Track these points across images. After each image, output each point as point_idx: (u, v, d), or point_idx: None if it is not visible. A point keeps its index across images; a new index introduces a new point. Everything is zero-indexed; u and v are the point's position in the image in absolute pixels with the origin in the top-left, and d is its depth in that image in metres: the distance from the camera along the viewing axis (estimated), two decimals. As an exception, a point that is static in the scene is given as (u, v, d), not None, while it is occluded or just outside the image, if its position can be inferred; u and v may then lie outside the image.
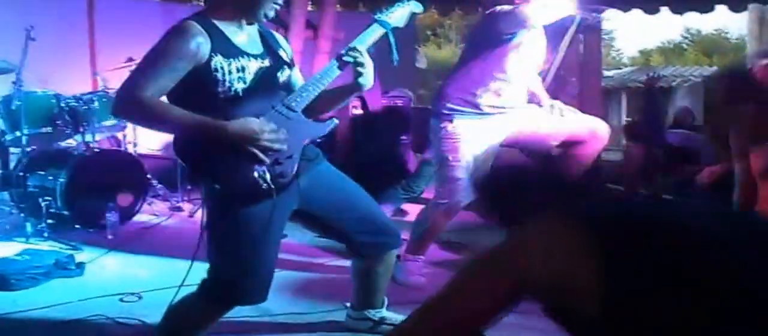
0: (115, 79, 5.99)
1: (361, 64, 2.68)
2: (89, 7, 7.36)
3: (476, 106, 3.78)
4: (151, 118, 2.49)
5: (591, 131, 4.06)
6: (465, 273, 1.52)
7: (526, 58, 3.83)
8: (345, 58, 2.68)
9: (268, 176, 2.48)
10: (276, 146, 2.47)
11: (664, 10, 8.40)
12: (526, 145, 4.09)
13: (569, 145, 4.08)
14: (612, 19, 8.26)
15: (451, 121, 3.79)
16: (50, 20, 6.07)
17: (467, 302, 1.47)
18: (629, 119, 10.40)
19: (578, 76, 7.30)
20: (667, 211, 1.49)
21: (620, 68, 23.12)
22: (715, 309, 1.27)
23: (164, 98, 2.49)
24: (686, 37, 30.96)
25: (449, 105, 3.80)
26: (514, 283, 1.43)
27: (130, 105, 2.47)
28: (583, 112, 7.26)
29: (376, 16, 2.83)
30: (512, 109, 3.86)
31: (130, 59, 6.02)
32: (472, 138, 3.77)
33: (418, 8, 2.96)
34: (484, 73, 3.76)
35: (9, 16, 6.03)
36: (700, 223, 1.40)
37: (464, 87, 3.78)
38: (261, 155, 2.45)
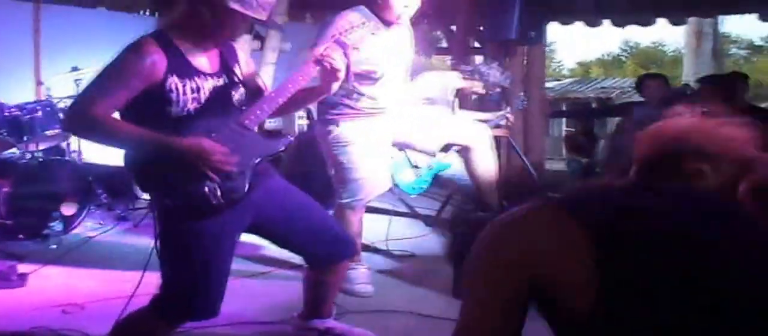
0: (59, 88, 5.95)
1: (336, 69, 2.72)
2: (34, 15, 7.23)
3: (354, 109, 3.91)
4: (103, 135, 2.50)
5: (471, 137, 4.38)
6: (468, 300, 1.43)
7: (395, 60, 3.96)
8: (323, 62, 2.71)
9: (218, 193, 2.50)
10: (226, 168, 2.49)
11: (606, 23, 8.61)
12: (411, 146, 4.48)
13: (461, 151, 4.46)
14: (552, 31, 8.24)
15: (337, 125, 3.92)
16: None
17: (485, 323, 1.37)
18: (570, 130, 10.55)
19: (523, 88, 7.41)
20: (652, 201, 1.39)
21: (560, 80, 23.50)
22: (703, 306, 1.23)
23: (117, 114, 2.49)
24: (625, 50, 31.76)
25: (333, 110, 3.92)
26: (513, 279, 1.35)
27: (81, 121, 2.49)
28: (527, 124, 7.40)
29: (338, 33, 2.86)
30: (392, 109, 4.01)
31: (75, 68, 5.97)
32: (359, 138, 3.91)
33: (377, 29, 3.00)
34: (357, 77, 3.81)
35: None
36: (692, 220, 1.34)
37: (341, 92, 3.81)
38: (210, 174, 2.47)
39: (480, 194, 4.44)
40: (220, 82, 2.63)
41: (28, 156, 5.27)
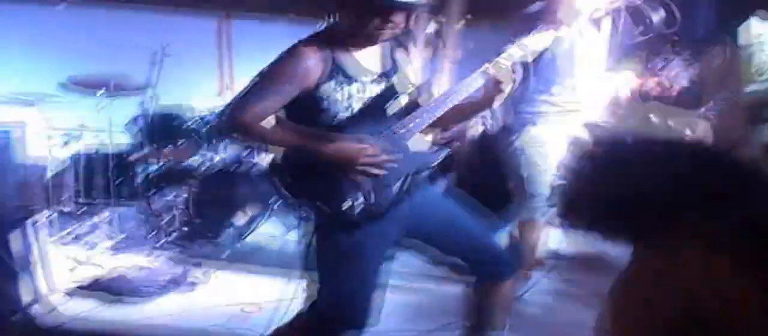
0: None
1: (500, 82, 2.48)
2: (220, 27, 7.51)
3: (553, 106, 3.68)
4: (251, 139, 2.51)
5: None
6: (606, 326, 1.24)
7: (585, 53, 3.71)
8: (492, 71, 2.48)
9: (361, 202, 2.41)
10: (374, 171, 2.39)
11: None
12: None
13: None
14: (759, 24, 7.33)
15: (534, 124, 3.70)
16: (181, 40, 6.22)
17: None
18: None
19: (720, 87, 6.90)
20: None
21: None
22: None
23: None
24: None
25: (529, 108, 3.70)
26: (669, 319, 1.13)
27: (230, 125, 2.49)
28: (723, 127, 6.82)
29: (514, 40, 2.62)
30: (588, 105, 3.76)
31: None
32: (558, 138, 3.63)
33: (561, 34, 2.83)
34: (554, 72, 3.62)
35: (141, 36, 6.21)
36: None
37: (540, 89, 3.66)
38: (356, 179, 2.38)
39: None
40: (380, 87, 2.52)
41: (207, 164, 5.46)
